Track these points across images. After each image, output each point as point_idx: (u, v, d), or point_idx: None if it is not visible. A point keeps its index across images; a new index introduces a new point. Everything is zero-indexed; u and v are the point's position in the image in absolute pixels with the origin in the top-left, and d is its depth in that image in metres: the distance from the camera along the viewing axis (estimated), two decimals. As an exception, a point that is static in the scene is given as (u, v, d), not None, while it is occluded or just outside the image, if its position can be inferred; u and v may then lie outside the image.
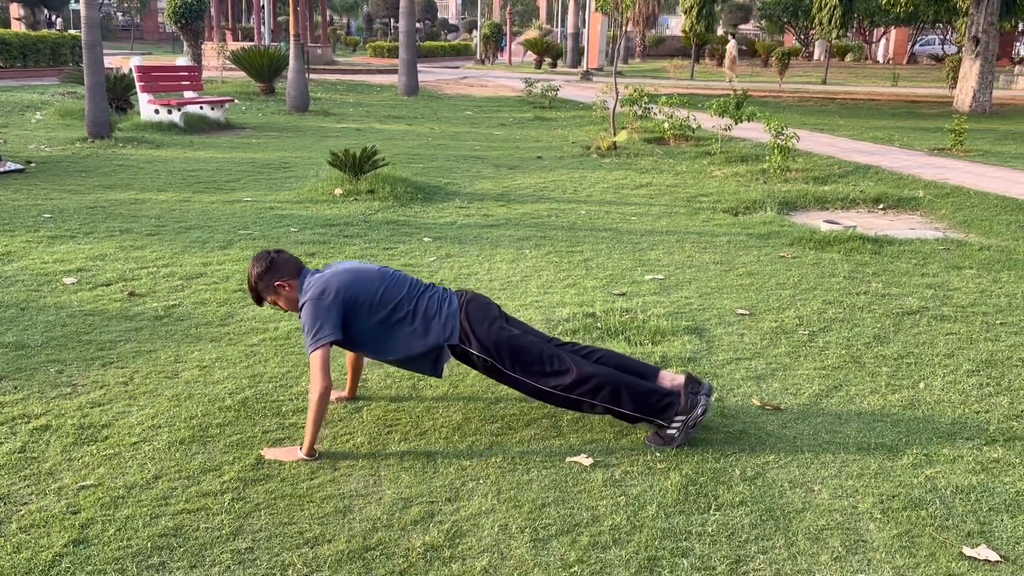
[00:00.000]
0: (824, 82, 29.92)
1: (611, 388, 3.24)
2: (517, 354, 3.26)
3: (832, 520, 2.79)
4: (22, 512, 2.75)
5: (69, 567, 2.47)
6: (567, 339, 4.35)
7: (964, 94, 18.74)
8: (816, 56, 48.49)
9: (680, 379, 3.37)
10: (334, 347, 3.26)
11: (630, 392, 3.25)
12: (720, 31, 47.20)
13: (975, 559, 2.59)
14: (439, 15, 73.53)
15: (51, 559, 2.50)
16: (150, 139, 11.77)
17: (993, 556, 2.60)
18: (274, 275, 3.32)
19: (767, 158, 9.93)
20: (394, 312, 3.28)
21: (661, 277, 5.59)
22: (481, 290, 5.24)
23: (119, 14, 59.54)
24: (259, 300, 3.41)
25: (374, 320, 3.27)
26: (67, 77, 18.12)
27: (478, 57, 42.89)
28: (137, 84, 12.93)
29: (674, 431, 3.24)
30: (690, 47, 35.94)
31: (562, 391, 3.26)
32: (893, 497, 2.93)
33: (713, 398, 3.69)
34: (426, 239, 6.55)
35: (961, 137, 11.66)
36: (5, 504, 2.79)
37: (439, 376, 3.41)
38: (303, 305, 3.24)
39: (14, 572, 2.44)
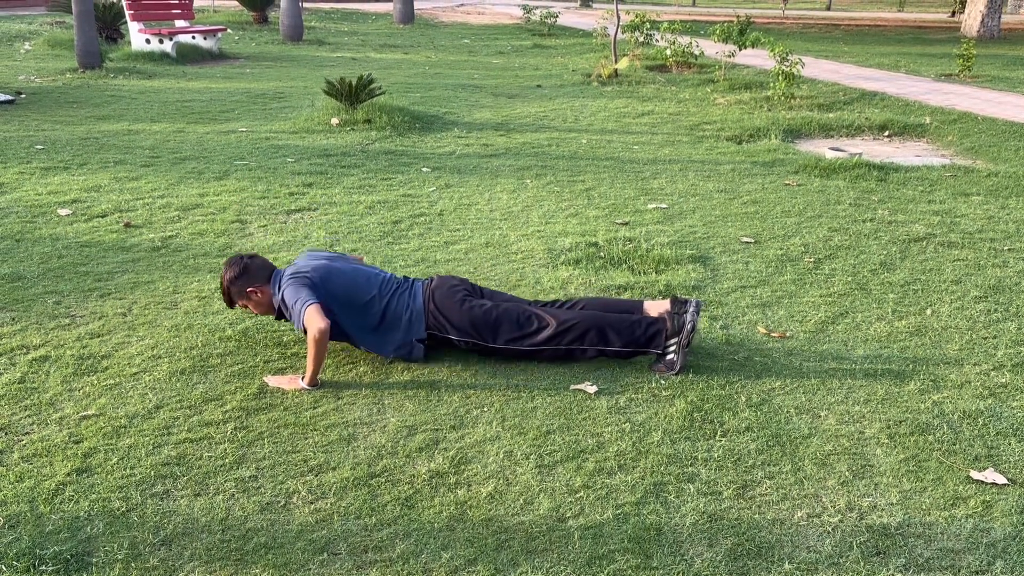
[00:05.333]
0: (828, 8, 29.28)
1: (596, 330, 3.24)
2: (495, 326, 3.25)
3: (839, 445, 2.77)
4: (24, 442, 2.73)
5: (73, 495, 2.46)
6: (569, 270, 4.31)
7: (972, 18, 18.34)
8: (821, -19, 47.34)
9: (665, 304, 3.36)
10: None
11: (616, 329, 3.25)
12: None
13: (982, 482, 2.58)
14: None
15: (54, 488, 2.49)
16: (142, 69, 11.53)
17: (1000, 479, 2.59)
18: (246, 281, 3.30)
19: (771, 85, 9.75)
20: (365, 311, 3.28)
21: (664, 206, 5.51)
22: (482, 221, 5.17)
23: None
24: (231, 303, 3.40)
25: (347, 319, 3.27)
26: (55, 6, 17.71)
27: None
28: (127, 12, 12.62)
29: (672, 355, 3.23)
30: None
31: (550, 345, 3.25)
32: (900, 422, 2.91)
33: (707, 320, 3.67)
34: (425, 169, 6.45)
35: (969, 62, 11.43)
36: (7, 434, 2.77)
37: (420, 360, 3.36)
38: (283, 294, 3.23)
39: (17, 501, 2.43)
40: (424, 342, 3.32)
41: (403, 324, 3.29)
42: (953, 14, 24.96)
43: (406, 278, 3.47)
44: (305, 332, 3.11)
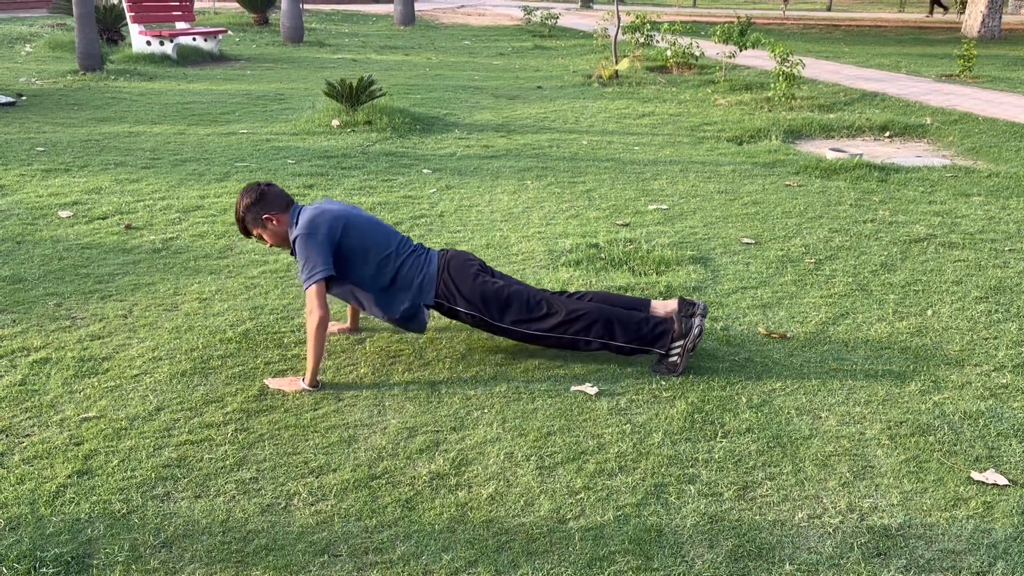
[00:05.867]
0: (829, 8, 29.28)
1: (603, 323, 3.23)
2: (505, 305, 3.25)
3: (840, 446, 2.77)
4: (24, 444, 2.73)
5: (74, 497, 2.46)
6: (570, 271, 4.31)
7: (973, 19, 18.34)
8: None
9: (672, 304, 3.35)
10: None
11: (623, 325, 3.23)
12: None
13: (983, 483, 2.58)
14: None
15: (55, 490, 2.49)
16: (143, 71, 11.54)
17: (1001, 480, 2.59)
18: (263, 207, 3.24)
19: (772, 86, 9.74)
20: (379, 268, 3.25)
21: (665, 207, 5.51)
22: (483, 222, 5.17)
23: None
24: (246, 232, 3.33)
25: (359, 271, 3.24)
26: (55, 8, 17.70)
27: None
28: (127, 14, 12.63)
29: (675, 358, 3.22)
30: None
31: (555, 332, 3.24)
32: (901, 423, 2.91)
33: (707, 321, 3.67)
34: (425, 170, 6.45)
35: (970, 63, 11.42)
36: (7, 436, 2.77)
37: (421, 332, 3.38)
38: (295, 239, 3.18)
39: (18, 503, 2.43)
40: (430, 308, 3.31)
41: (414, 287, 3.27)
42: (931, 13, 25.35)
43: (421, 244, 3.44)
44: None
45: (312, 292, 3.08)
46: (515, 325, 3.26)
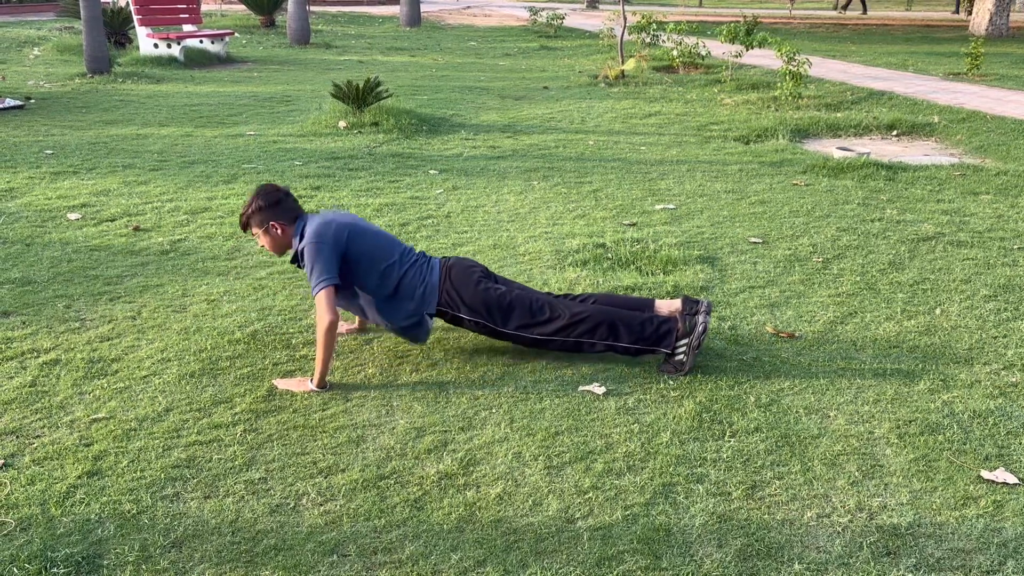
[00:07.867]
0: (835, 7, 29.19)
1: (607, 325, 3.23)
2: (508, 311, 3.25)
3: (848, 445, 2.77)
4: (35, 445, 2.74)
5: (84, 498, 2.47)
6: (577, 271, 4.31)
7: (980, 17, 18.27)
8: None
9: (676, 303, 3.36)
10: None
11: (627, 326, 3.24)
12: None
13: (993, 482, 2.57)
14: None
15: (65, 490, 2.50)
16: (150, 74, 11.57)
17: (1011, 479, 2.58)
18: (273, 214, 3.26)
19: (778, 85, 9.73)
20: (383, 277, 3.27)
21: (672, 207, 5.51)
22: (489, 223, 5.17)
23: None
24: (245, 227, 3.34)
25: (364, 280, 3.26)
26: (63, 12, 17.79)
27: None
28: (135, 17, 12.67)
29: (681, 356, 3.22)
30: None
31: (559, 336, 3.25)
32: (910, 422, 2.90)
33: (715, 320, 3.67)
34: (432, 171, 6.46)
35: (977, 61, 11.38)
36: (18, 437, 2.79)
37: (423, 343, 3.38)
38: (302, 249, 3.20)
39: (29, 504, 2.44)
40: (433, 317, 3.32)
41: (416, 296, 3.29)
42: (837, 5, 25.66)
43: (423, 253, 3.46)
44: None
45: (321, 297, 3.09)
46: (519, 330, 3.26)
